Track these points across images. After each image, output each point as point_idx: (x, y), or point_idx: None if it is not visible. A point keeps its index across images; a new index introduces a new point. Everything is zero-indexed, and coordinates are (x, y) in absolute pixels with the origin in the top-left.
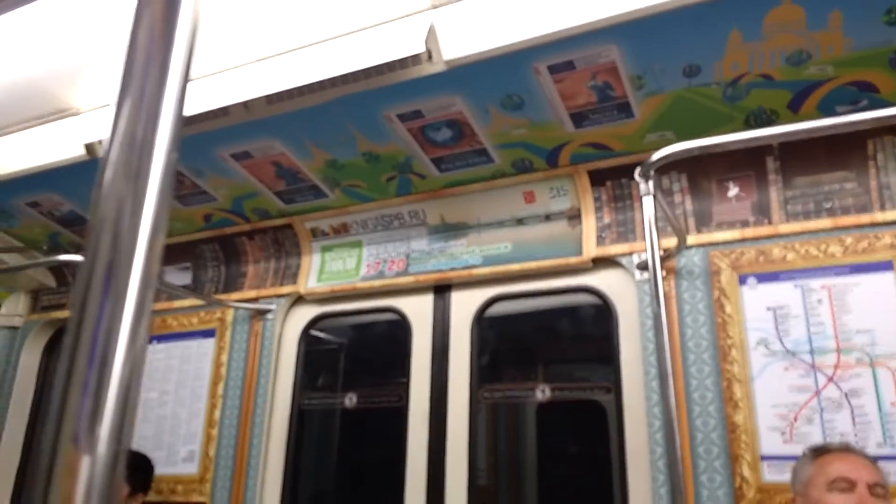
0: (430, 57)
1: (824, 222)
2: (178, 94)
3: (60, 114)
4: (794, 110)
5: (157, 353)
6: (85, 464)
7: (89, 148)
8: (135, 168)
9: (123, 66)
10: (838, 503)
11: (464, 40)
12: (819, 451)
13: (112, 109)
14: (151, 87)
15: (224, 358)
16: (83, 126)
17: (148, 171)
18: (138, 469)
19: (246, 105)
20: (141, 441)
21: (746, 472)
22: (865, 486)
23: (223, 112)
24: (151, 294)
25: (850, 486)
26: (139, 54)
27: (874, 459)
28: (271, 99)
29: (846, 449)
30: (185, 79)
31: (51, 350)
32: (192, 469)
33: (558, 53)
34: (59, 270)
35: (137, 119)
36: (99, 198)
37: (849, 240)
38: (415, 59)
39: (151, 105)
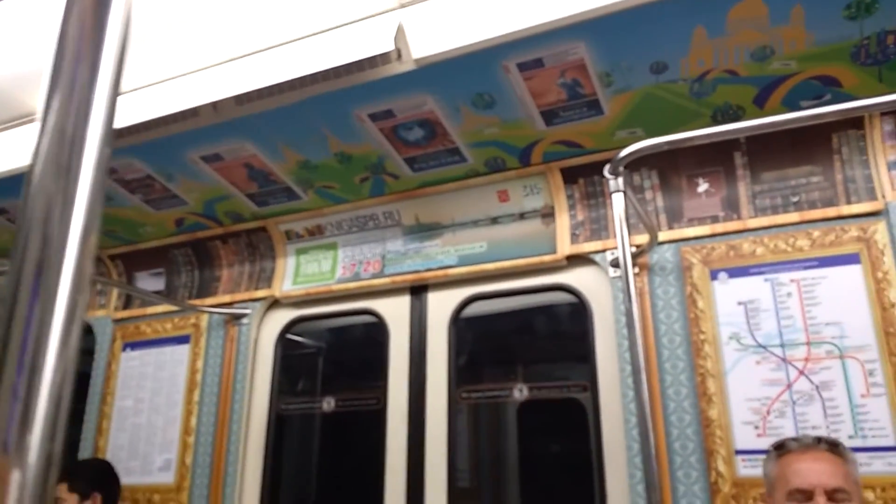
0: (399, 55)
1: (792, 216)
2: (110, 87)
3: (26, 118)
4: (760, 105)
5: (131, 361)
6: (15, 473)
7: None
8: (65, 165)
9: (53, 58)
10: None
11: (433, 38)
12: (781, 451)
13: (41, 103)
14: (82, 80)
15: (199, 364)
16: None
17: (79, 168)
18: (100, 475)
19: (215, 106)
20: (116, 451)
21: (721, 466)
22: (823, 494)
23: (192, 113)
24: (84, 297)
25: (806, 497)
26: (69, 46)
27: (843, 449)
28: (240, 99)
29: (806, 447)
30: (119, 71)
31: None
32: (168, 478)
33: (527, 51)
34: None
35: (67, 113)
36: (27, 196)
37: (816, 233)
38: (384, 58)
39: (82, 98)
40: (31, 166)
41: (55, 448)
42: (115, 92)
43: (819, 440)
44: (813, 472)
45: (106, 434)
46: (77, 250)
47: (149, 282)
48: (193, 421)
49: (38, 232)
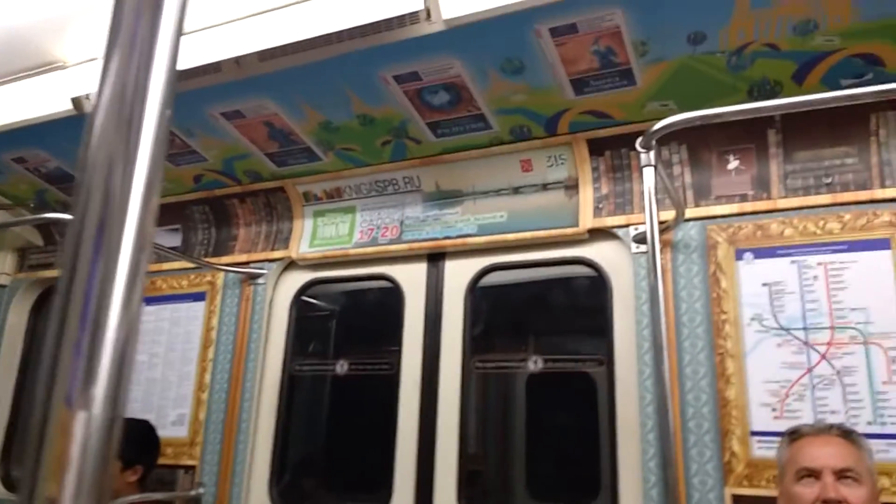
0: (428, 15)
1: (823, 198)
2: (171, 45)
3: (47, 67)
4: (799, 82)
5: (147, 316)
6: (79, 424)
7: (76, 102)
8: (126, 123)
9: (112, 14)
10: (804, 495)
11: None
12: (794, 436)
13: (100, 61)
14: (143, 37)
15: (214, 322)
16: (70, 80)
17: (140, 127)
18: (145, 442)
19: (238, 61)
20: (130, 403)
21: (736, 446)
22: (831, 474)
23: (214, 68)
24: (146, 256)
25: (814, 476)
26: (129, 1)
27: (857, 437)
28: (264, 55)
29: (819, 431)
30: (179, 29)
31: (38, 309)
32: (181, 432)
33: (561, 16)
34: (47, 229)
35: (128, 71)
36: (87, 154)
37: (847, 216)
38: (413, 17)
39: (143, 56)
40: (91, 124)
41: (119, 403)
42: (176, 49)
43: (832, 426)
44: (823, 453)
45: None
46: (140, 208)
47: (165, 238)
48: (207, 378)
49: (100, 190)
